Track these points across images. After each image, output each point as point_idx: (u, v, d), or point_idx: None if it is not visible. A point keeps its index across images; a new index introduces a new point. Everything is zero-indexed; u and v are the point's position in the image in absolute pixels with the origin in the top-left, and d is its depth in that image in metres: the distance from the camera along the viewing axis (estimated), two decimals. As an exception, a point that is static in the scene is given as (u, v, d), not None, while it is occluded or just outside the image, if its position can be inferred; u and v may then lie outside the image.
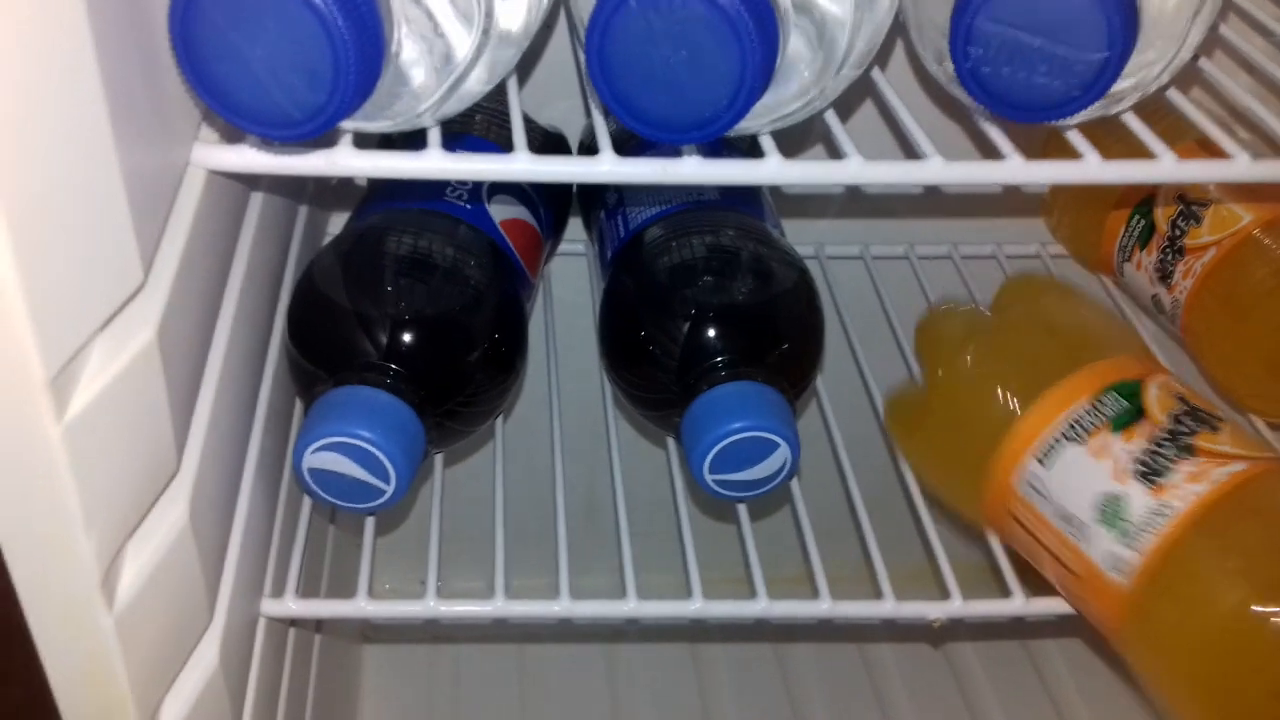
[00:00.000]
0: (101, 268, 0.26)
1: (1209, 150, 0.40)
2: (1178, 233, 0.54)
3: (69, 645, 0.28)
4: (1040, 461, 0.41)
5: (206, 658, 0.34)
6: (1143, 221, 0.56)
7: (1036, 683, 0.73)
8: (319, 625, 0.51)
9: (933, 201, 0.65)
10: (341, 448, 0.41)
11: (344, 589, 0.43)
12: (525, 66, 0.55)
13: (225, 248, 0.38)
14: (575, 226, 0.59)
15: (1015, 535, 0.44)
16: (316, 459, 0.41)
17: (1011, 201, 0.65)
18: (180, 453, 0.31)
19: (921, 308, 0.61)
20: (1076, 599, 0.42)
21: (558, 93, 0.58)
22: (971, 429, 0.45)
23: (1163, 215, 0.55)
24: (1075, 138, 0.37)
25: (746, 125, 0.35)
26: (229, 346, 0.36)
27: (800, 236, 0.61)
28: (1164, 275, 0.55)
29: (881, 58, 0.38)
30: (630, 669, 0.72)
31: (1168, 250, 0.55)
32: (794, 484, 0.48)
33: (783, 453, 0.44)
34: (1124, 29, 0.29)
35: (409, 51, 0.32)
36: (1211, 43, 0.50)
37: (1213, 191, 0.54)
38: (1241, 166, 0.37)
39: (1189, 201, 0.54)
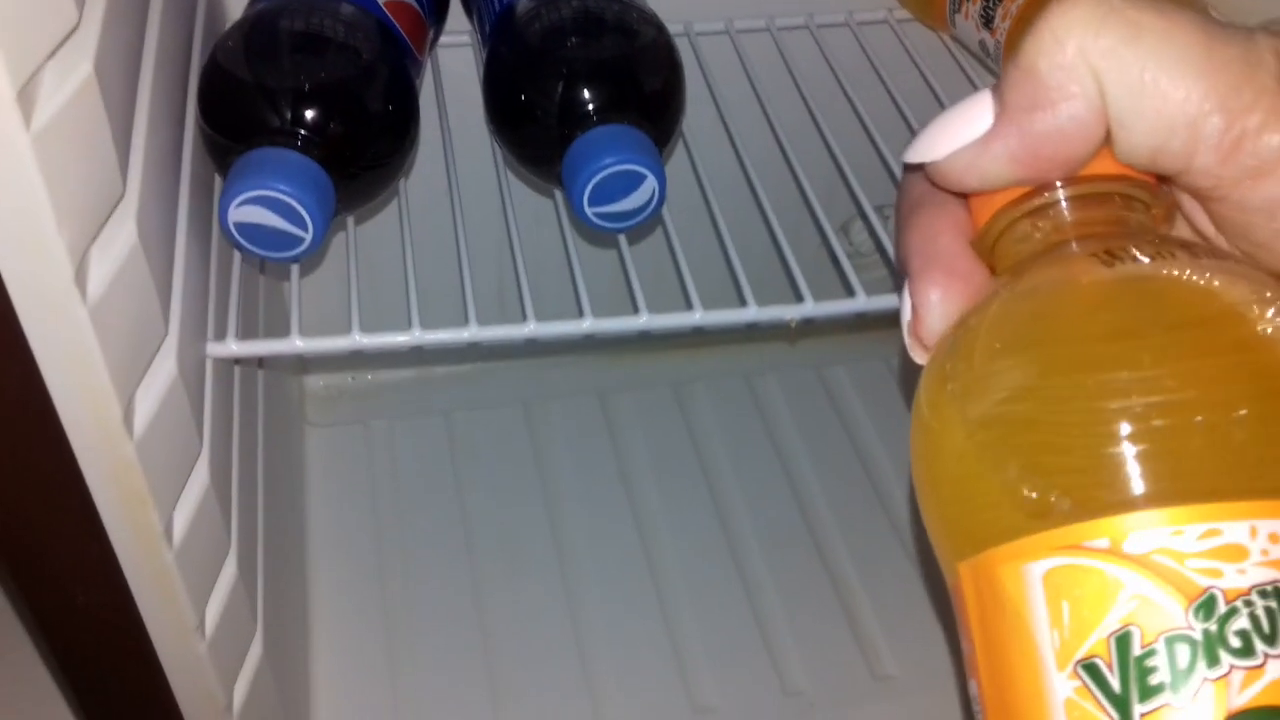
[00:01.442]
0: (44, 7, 0.31)
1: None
2: (996, -20, 0.61)
3: (54, 332, 0.34)
4: None
5: (167, 364, 0.41)
6: (968, -26, 0.63)
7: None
8: (261, 362, 0.58)
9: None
10: (261, 200, 0.47)
11: (279, 331, 0.50)
12: None
13: (139, 13, 0.43)
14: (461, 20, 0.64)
15: None
16: (240, 213, 0.47)
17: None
18: (124, 178, 0.37)
19: (782, 76, 0.67)
20: None
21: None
22: None
23: (984, -34, 0.62)
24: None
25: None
26: (152, 100, 0.42)
27: (670, 15, 0.67)
28: (987, 21, 0.62)
29: None
30: (548, 421, 0.81)
31: (989, -3, 0.62)
32: (668, 217, 0.55)
33: (650, 184, 0.51)
34: None
35: None
36: None
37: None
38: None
39: (1006, -49, 0.61)
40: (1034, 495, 0.23)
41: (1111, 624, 0.21)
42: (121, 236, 0.37)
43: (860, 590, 0.73)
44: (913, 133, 0.65)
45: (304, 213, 0.47)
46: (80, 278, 0.34)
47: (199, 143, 0.51)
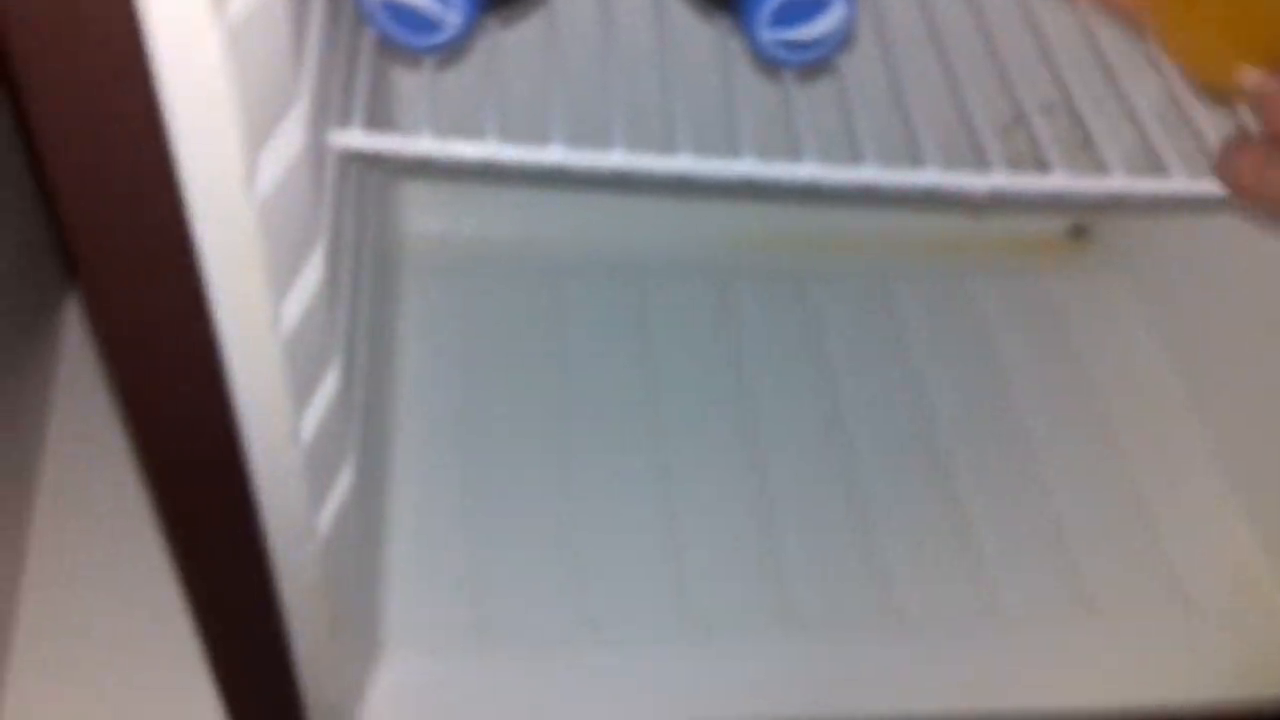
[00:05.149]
0: None
1: None
2: None
3: (186, 57, 0.29)
4: None
5: (295, 132, 0.36)
6: None
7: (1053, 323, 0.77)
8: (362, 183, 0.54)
9: None
10: (409, -26, 0.42)
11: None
12: None
13: None
14: None
15: None
16: (386, -14, 0.42)
17: None
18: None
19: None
20: None
21: None
22: None
23: None
24: None
25: None
26: None
27: None
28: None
29: None
30: (659, 299, 0.76)
31: None
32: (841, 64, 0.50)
33: (838, 6, 0.45)
34: None
35: None
36: None
37: None
38: None
39: None
40: None
41: None
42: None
43: (983, 521, 0.68)
44: None
45: (453, -7, 0.42)
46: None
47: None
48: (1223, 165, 0.46)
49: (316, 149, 0.41)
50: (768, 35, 0.45)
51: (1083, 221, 0.83)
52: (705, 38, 0.53)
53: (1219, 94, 0.52)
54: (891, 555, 0.66)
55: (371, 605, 0.59)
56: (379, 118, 0.54)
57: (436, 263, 0.75)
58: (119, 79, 0.29)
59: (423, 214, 0.76)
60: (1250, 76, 0.47)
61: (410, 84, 0.65)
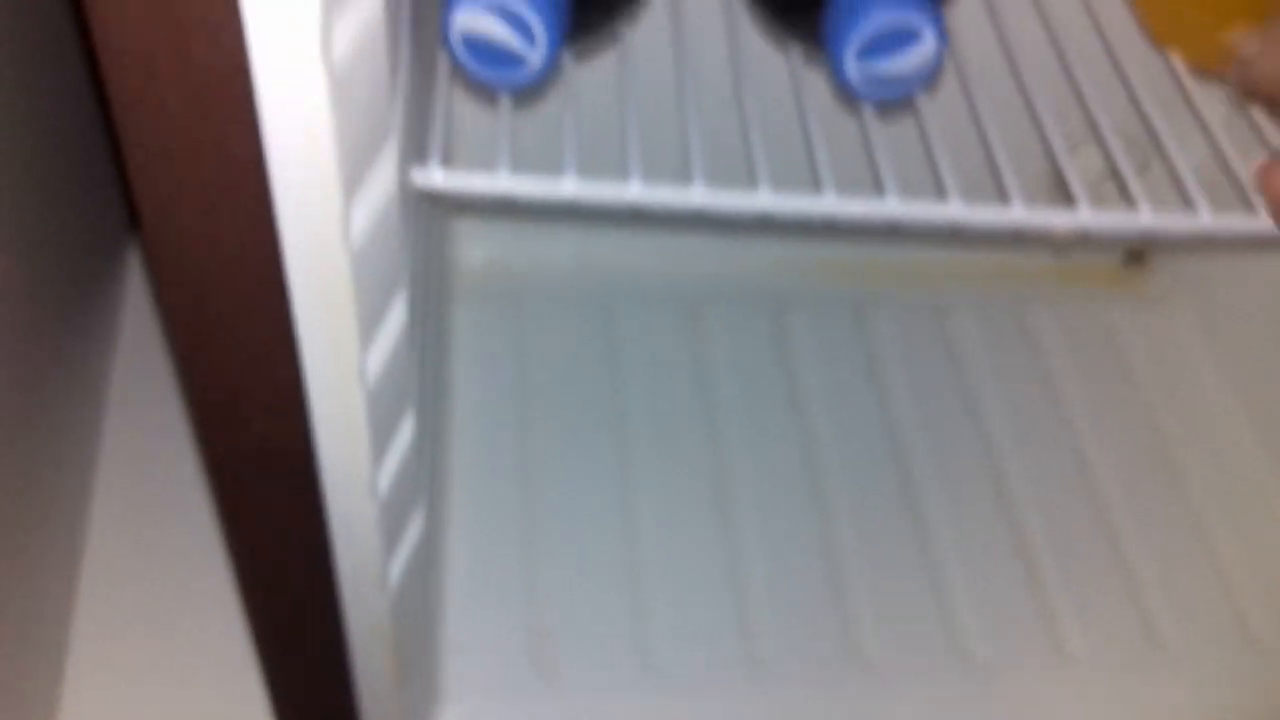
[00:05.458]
0: None
1: None
2: None
3: (291, 93, 0.28)
4: None
5: (386, 171, 0.35)
6: None
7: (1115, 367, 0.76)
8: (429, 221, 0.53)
9: None
10: (492, 6, 0.41)
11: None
12: None
13: None
14: None
15: None
16: (468, 20, 0.41)
17: None
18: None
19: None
20: None
21: None
22: None
23: None
24: None
25: None
26: None
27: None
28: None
29: None
30: (713, 328, 0.74)
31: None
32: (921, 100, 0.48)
33: (928, 41, 0.43)
34: None
35: None
36: None
37: None
38: None
39: None
40: None
41: None
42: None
43: (1048, 556, 0.67)
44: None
45: (536, 26, 0.41)
46: (326, 34, 0.28)
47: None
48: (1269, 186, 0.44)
49: (403, 189, 0.40)
50: (855, 68, 0.44)
51: (1139, 248, 0.81)
52: (779, 71, 0.52)
53: (1209, 71, 0.53)
54: (956, 593, 0.64)
55: (432, 650, 0.57)
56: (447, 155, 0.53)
57: (487, 294, 0.74)
58: (224, 120, 0.28)
59: (474, 245, 0.75)
60: (1237, 37, 0.47)
61: (470, 119, 0.64)
